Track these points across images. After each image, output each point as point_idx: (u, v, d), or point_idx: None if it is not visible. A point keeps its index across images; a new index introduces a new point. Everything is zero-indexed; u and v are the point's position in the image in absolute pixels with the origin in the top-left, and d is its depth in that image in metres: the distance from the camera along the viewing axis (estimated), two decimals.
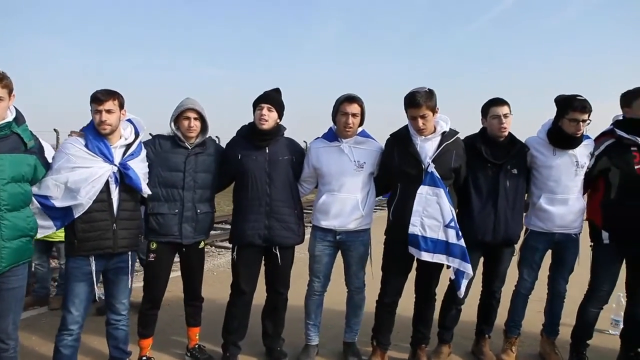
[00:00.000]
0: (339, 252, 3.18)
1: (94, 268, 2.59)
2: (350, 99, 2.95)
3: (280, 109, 3.04)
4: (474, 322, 3.43)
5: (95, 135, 2.58)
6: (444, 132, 2.89)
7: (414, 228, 2.86)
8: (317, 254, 3.14)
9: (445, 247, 2.86)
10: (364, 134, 3.09)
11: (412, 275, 3.12)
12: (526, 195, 3.19)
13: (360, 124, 3.05)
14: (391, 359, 3.31)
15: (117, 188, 2.62)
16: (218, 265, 6.06)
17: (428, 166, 2.83)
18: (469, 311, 3.36)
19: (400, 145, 2.95)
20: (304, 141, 9.00)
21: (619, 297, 3.61)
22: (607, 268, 3.04)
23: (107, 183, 2.57)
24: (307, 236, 3.21)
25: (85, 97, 2.60)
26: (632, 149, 2.92)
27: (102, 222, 2.58)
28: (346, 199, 3.01)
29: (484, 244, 3.03)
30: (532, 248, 3.16)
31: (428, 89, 2.81)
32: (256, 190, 2.98)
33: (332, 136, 3.09)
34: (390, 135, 3.06)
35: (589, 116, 2.89)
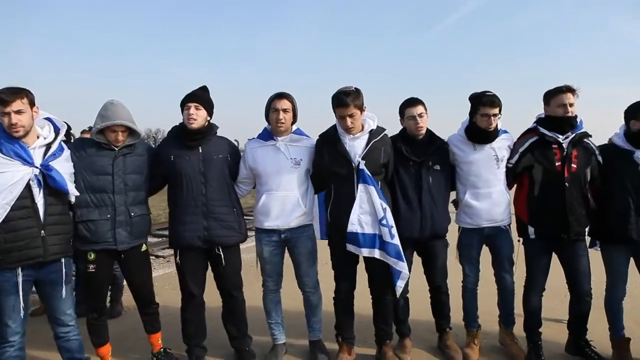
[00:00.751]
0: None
1: (20, 280, 2.45)
2: (280, 95, 3.01)
3: (208, 107, 3.01)
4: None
5: (7, 138, 2.41)
6: (372, 130, 2.96)
7: (353, 226, 2.91)
8: (265, 255, 3.16)
9: (381, 244, 2.92)
10: (298, 132, 3.12)
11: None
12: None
13: (294, 121, 3.08)
14: (360, 356, 3.33)
15: (42, 192, 2.49)
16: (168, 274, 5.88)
17: (359, 164, 2.88)
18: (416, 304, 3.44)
19: (329, 145, 3.00)
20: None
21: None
22: (538, 261, 3.17)
23: (29, 187, 2.43)
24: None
25: None
26: (553, 146, 3.04)
27: (28, 229, 2.43)
28: (286, 197, 3.02)
29: (414, 240, 3.11)
30: (466, 245, 3.27)
31: (355, 88, 2.87)
32: (191, 191, 2.94)
33: (267, 135, 3.11)
34: (319, 135, 3.12)
35: (499, 110, 3.03)
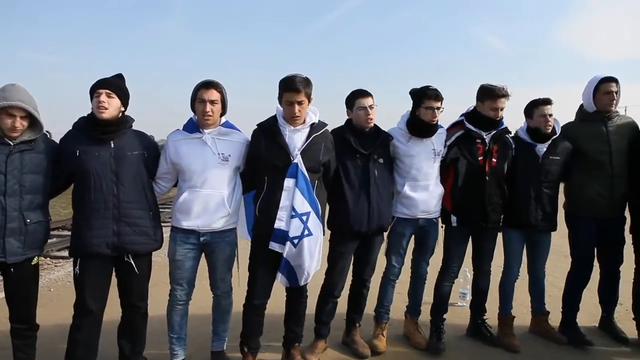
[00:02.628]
0: (203, 255, 2.85)
1: None
2: (208, 84, 2.66)
3: (123, 96, 2.62)
4: (341, 313, 3.37)
5: None
6: (313, 124, 2.79)
7: (280, 222, 2.71)
8: (178, 258, 2.75)
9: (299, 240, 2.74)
10: (227, 125, 2.80)
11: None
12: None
13: (223, 112, 2.76)
14: None
15: None
16: (55, 280, 5.10)
17: (295, 158, 2.69)
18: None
19: (268, 137, 2.76)
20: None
21: (465, 272, 3.98)
22: (457, 247, 3.33)
23: None
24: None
25: None
26: (477, 141, 3.21)
27: None
28: (210, 195, 2.69)
29: (360, 234, 3.02)
30: (399, 234, 3.26)
31: (305, 76, 2.69)
32: (100, 192, 2.51)
33: (192, 127, 2.75)
34: (257, 125, 2.85)
35: (441, 104, 3.09)
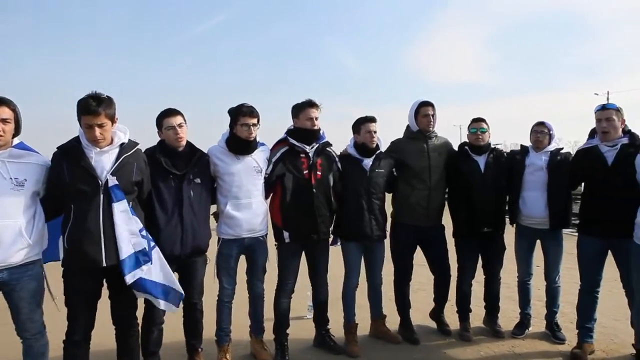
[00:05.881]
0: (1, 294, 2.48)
1: None
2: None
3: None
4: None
5: None
6: (123, 144, 2.61)
7: (127, 249, 2.51)
8: None
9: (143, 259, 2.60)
10: (21, 146, 2.48)
11: None
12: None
13: (16, 133, 2.46)
14: None
15: None
16: None
17: (107, 181, 2.50)
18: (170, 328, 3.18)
19: (70, 160, 2.51)
20: None
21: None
22: (291, 263, 3.38)
23: None
24: None
25: None
26: (302, 155, 3.31)
27: None
28: (3, 227, 2.33)
29: (175, 257, 2.89)
30: (225, 256, 3.21)
31: (107, 95, 2.50)
32: None
33: None
34: (58, 148, 2.58)
35: (257, 120, 3.16)
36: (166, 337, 3.10)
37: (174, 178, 2.92)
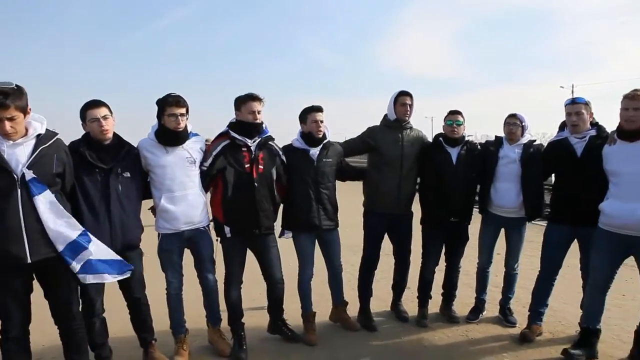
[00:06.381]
0: None
1: None
2: None
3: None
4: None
5: None
6: (40, 135, 2.49)
7: (63, 238, 2.46)
8: None
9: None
10: None
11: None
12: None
13: None
14: None
15: None
16: None
17: (23, 175, 2.37)
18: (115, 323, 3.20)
19: None
20: None
21: None
22: (235, 257, 3.35)
23: None
24: None
25: None
26: (243, 149, 3.28)
27: None
28: None
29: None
30: (167, 251, 3.18)
31: (16, 85, 2.37)
32: None
33: None
34: None
35: (186, 111, 3.10)
36: (119, 330, 3.11)
37: (100, 172, 2.82)
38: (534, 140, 3.73)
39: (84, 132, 2.91)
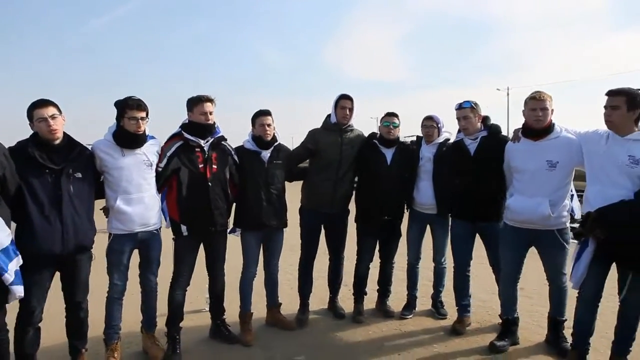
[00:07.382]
0: None
1: None
2: None
3: None
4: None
5: None
6: None
7: None
8: None
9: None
10: None
11: None
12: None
13: None
14: None
15: None
16: None
17: None
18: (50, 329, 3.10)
19: None
20: None
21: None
22: (188, 257, 3.40)
23: None
24: None
25: None
26: (197, 149, 3.33)
27: None
28: None
29: (55, 256, 2.78)
30: (117, 252, 3.15)
31: None
32: None
33: None
34: None
35: (146, 114, 3.12)
36: (44, 338, 3.00)
37: (50, 173, 2.76)
38: (448, 139, 3.93)
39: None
